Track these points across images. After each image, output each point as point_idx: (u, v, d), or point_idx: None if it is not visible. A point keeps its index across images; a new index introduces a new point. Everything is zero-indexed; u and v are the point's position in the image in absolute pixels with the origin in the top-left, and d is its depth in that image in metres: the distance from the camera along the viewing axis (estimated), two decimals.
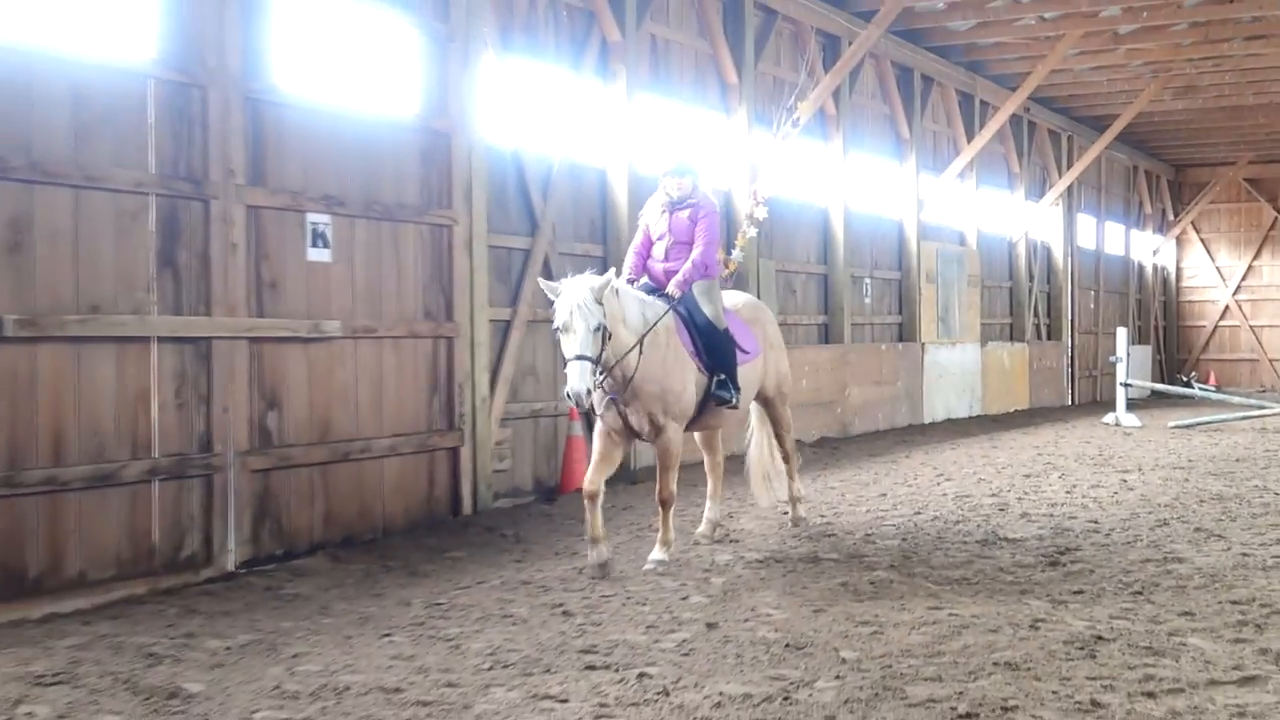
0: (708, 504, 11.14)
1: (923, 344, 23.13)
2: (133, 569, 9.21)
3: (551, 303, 9.11)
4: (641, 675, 6.54)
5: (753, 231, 17.27)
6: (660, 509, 9.77)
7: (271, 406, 10.34)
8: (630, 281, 9.98)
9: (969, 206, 25.47)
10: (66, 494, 8.81)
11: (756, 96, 17.88)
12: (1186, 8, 20.83)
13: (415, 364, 11.81)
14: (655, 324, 9.43)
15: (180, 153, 9.64)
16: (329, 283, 10.88)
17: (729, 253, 17.08)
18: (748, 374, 10.31)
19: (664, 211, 10.03)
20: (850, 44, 19.34)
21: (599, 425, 9.72)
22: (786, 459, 11.45)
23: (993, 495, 13.57)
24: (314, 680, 6.58)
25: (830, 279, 20.48)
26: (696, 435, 11.09)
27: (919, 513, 12.33)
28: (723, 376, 9.86)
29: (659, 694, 6.22)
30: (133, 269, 9.30)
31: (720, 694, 6.19)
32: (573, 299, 8.80)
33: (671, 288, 9.76)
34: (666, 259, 10.01)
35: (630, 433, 9.72)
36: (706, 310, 9.90)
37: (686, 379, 9.69)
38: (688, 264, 9.78)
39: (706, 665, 6.77)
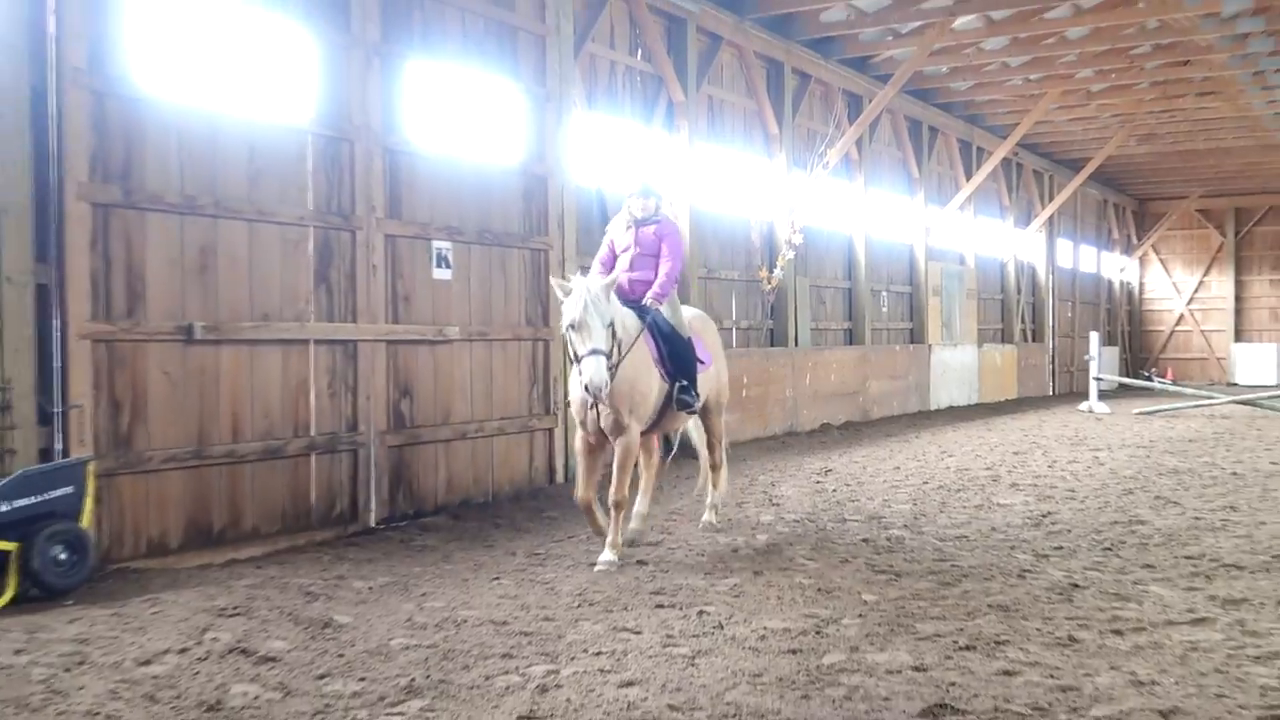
0: (641, 500, 9.27)
1: (930, 345, 22.96)
2: (294, 524, 9.33)
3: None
4: (701, 612, 6.56)
5: (790, 254, 17.26)
6: (613, 511, 8.20)
7: (404, 395, 10.42)
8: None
9: (968, 233, 25.25)
10: (243, 465, 8.94)
11: (794, 144, 17.82)
12: (1148, 69, 20.63)
13: (518, 362, 11.85)
14: (641, 333, 8.29)
15: (333, 193, 9.75)
16: (450, 296, 10.96)
17: (771, 271, 17.08)
18: (703, 382, 8.95)
19: (629, 227, 8.81)
20: (870, 101, 19.23)
21: (579, 433, 8.46)
22: (715, 466, 9.69)
23: (987, 468, 13.45)
24: (438, 614, 6.64)
25: (854, 292, 20.40)
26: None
27: (926, 482, 12.24)
28: (685, 382, 8.56)
29: (715, 627, 6.23)
30: (295, 285, 9.42)
31: (765, 628, 6.19)
32: (586, 295, 7.69)
33: (649, 299, 8.49)
34: (632, 269, 8.69)
35: (602, 436, 8.33)
36: (672, 320, 8.65)
37: (651, 384, 8.37)
38: (662, 277, 8.58)
39: (753, 605, 6.77)
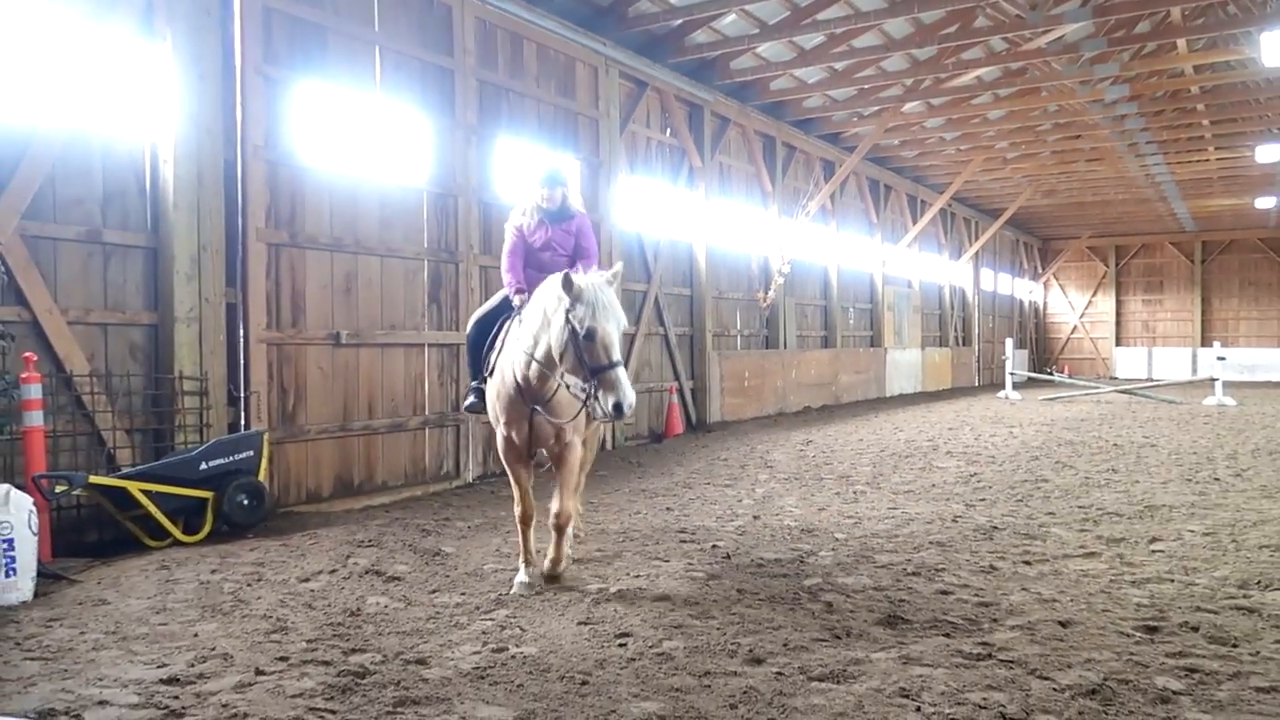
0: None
1: (885, 348, 22.75)
2: (413, 480, 9.39)
3: (571, 302, 4.97)
4: (714, 546, 6.54)
5: (781, 280, 17.15)
6: (556, 533, 5.56)
7: None
8: (519, 291, 5.76)
9: (914, 264, 24.99)
10: (376, 435, 9.00)
11: (783, 198, 17.71)
12: (1049, 143, 20.42)
13: None
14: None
15: (442, 235, 9.80)
16: None
17: (766, 292, 16.99)
18: None
19: (540, 222, 6.02)
20: (840, 166, 19.08)
21: (507, 445, 5.67)
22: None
23: (928, 440, 13.33)
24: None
25: (828, 308, 20.24)
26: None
27: (883, 450, 12.14)
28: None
29: (724, 558, 6.22)
30: (414, 303, 9.48)
31: (762, 558, 6.17)
32: (602, 297, 4.96)
33: None
34: (546, 270, 5.80)
35: (530, 445, 5.66)
36: None
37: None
38: None
39: (753, 541, 6.74)
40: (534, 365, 5.31)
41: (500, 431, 5.68)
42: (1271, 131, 19.32)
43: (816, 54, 14.42)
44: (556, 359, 5.12)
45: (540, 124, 11.22)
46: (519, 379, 5.39)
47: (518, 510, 5.75)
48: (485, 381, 5.83)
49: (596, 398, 4.91)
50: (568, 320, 4.98)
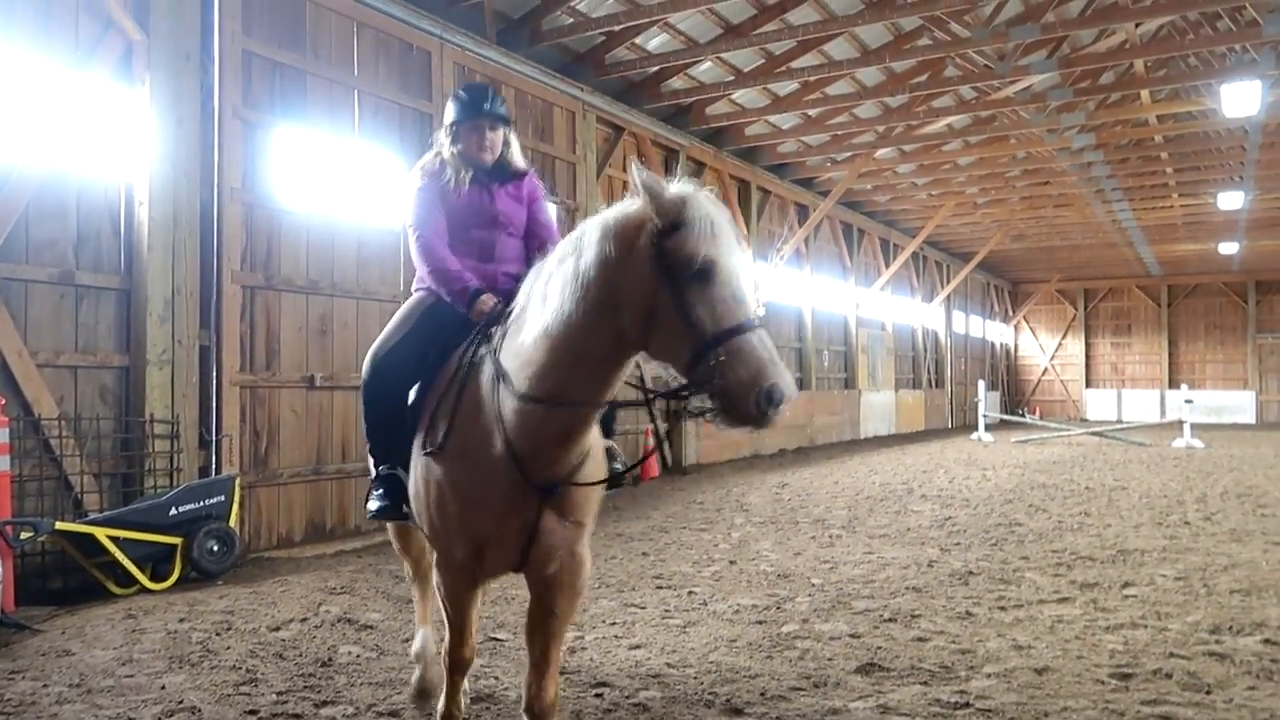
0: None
1: (859, 390, 22.92)
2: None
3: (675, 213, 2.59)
4: (690, 592, 6.51)
5: None
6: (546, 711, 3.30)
7: None
8: (476, 295, 3.33)
9: (887, 307, 25.27)
10: (349, 479, 8.91)
11: (758, 242, 17.90)
12: (1019, 188, 20.82)
13: None
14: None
15: None
16: None
17: None
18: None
19: (477, 182, 3.55)
20: (814, 210, 19.37)
21: (467, 570, 3.21)
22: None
23: (903, 483, 13.37)
24: (494, 593, 6.55)
25: (803, 350, 20.40)
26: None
27: (858, 493, 12.17)
28: (611, 443, 3.50)
29: (701, 604, 6.18)
30: None
31: (738, 604, 6.14)
32: (720, 219, 2.63)
33: None
34: (497, 260, 3.57)
35: (507, 569, 3.23)
36: None
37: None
38: None
39: (730, 586, 6.71)
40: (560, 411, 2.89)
41: (456, 550, 3.12)
42: (1233, 179, 19.84)
43: (791, 101, 14.68)
44: (639, 337, 2.69)
45: None
46: (519, 441, 2.90)
47: (451, 655, 3.50)
48: (406, 466, 3.29)
49: (717, 388, 2.48)
50: (661, 256, 2.60)
